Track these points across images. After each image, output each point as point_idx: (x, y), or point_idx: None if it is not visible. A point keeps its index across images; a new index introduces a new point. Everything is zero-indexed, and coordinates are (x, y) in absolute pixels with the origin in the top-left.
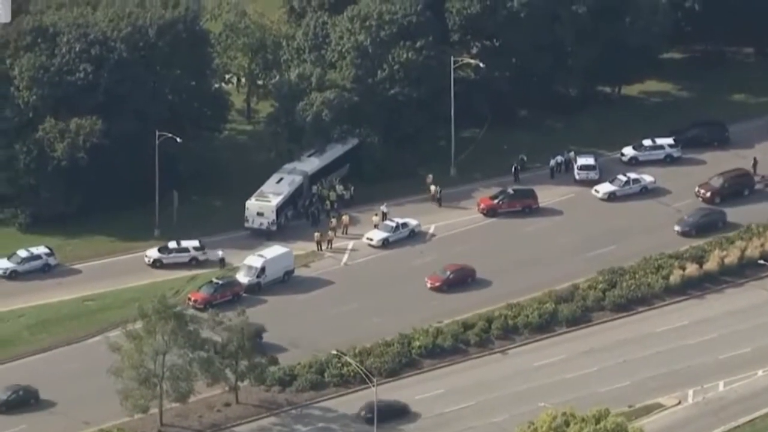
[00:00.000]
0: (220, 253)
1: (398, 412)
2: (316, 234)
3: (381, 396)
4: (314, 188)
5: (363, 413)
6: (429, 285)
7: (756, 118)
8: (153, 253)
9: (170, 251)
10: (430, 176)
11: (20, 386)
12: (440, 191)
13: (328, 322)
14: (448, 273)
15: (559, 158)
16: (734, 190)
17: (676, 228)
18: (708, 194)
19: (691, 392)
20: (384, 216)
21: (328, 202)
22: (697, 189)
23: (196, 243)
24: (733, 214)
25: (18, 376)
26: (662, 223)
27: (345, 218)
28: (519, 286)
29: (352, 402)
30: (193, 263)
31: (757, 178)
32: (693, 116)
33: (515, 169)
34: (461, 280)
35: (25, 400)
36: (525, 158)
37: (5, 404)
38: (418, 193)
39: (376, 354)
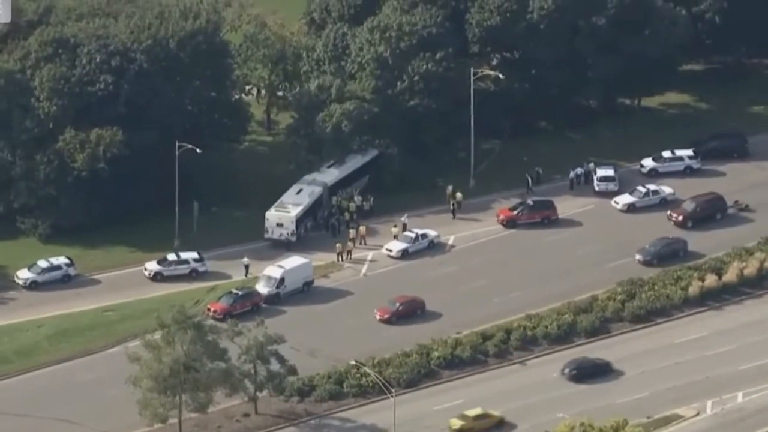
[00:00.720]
0: (245, 260)
1: (602, 370)
2: (338, 245)
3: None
4: (333, 199)
5: (567, 371)
6: (378, 317)
7: None
8: (153, 266)
9: (170, 263)
10: (450, 187)
11: None
12: (460, 198)
13: (347, 332)
14: (398, 305)
15: (579, 170)
16: (707, 214)
17: (638, 257)
18: (680, 218)
19: (709, 403)
20: (405, 227)
21: (347, 213)
22: (669, 213)
23: (195, 255)
24: (701, 240)
25: (37, 386)
26: (681, 234)
27: (362, 229)
28: (538, 297)
29: (372, 412)
30: (194, 275)
31: (730, 203)
32: (713, 128)
33: (528, 180)
34: (411, 312)
35: None
36: (540, 171)
37: None
38: (438, 204)
39: (395, 365)
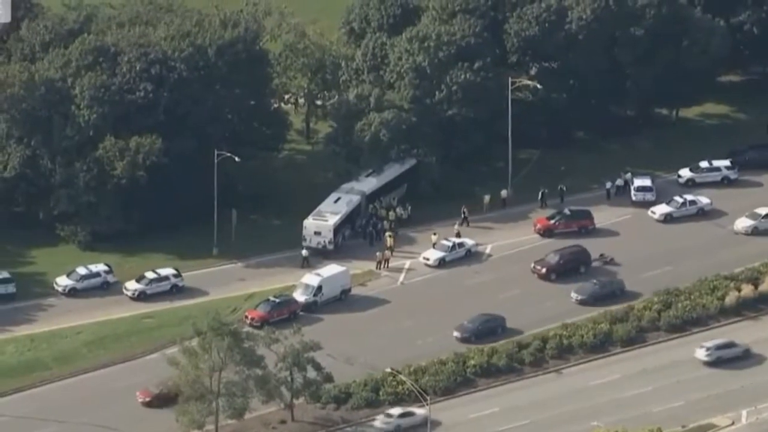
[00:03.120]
0: (304, 252)
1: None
2: (378, 253)
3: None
4: (370, 207)
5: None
6: (139, 399)
7: None
8: (134, 285)
9: (150, 281)
10: (487, 197)
11: None
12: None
13: (383, 340)
14: (161, 387)
15: (619, 181)
16: (570, 267)
17: (573, 295)
18: (543, 270)
19: (744, 413)
20: (458, 234)
21: (386, 222)
22: (533, 265)
23: (172, 270)
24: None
25: (76, 392)
26: (718, 244)
27: (389, 240)
28: (574, 306)
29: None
30: (174, 291)
31: (595, 256)
32: (750, 138)
33: (542, 194)
34: (173, 396)
35: None
36: (564, 188)
37: None
38: (475, 213)
39: (431, 372)
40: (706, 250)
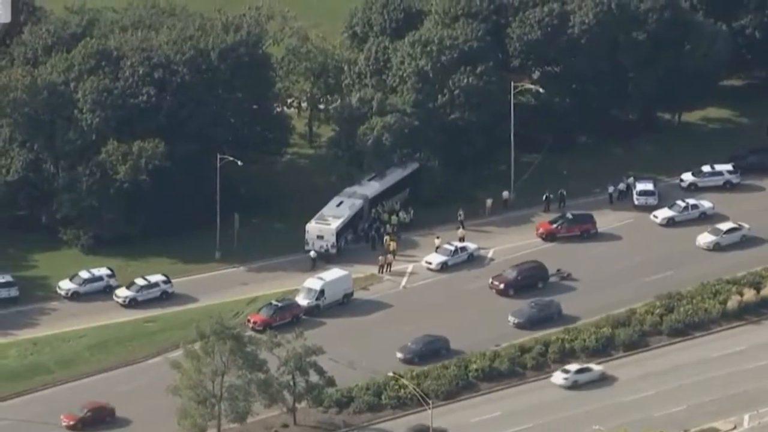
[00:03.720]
0: (312, 254)
1: None
2: (380, 257)
3: None
4: (373, 211)
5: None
6: (63, 423)
7: None
8: (124, 292)
9: (141, 288)
10: (489, 200)
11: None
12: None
13: (386, 344)
14: (85, 410)
15: (622, 185)
16: (528, 282)
17: (510, 318)
18: (501, 286)
19: (746, 417)
20: (462, 239)
21: (389, 226)
22: (490, 281)
23: (162, 276)
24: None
25: (79, 395)
26: (720, 248)
27: (393, 243)
28: (576, 310)
29: (410, 424)
30: (164, 297)
31: (552, 271)
32: (752, 142)
33: (546, 198)
34: (98, 419)
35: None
36: (565, 193)
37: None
38: (478, 217)
39: (433, 376)
40: (708, 254)
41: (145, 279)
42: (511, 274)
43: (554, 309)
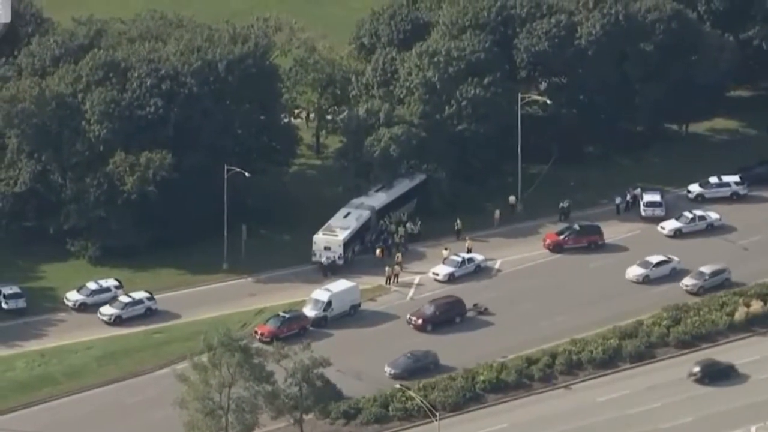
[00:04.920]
0: (324, 260)
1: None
2: (387, 268)
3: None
4: (380, 223)
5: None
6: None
7: None
8: (109, 310)
9: (125, 305)
10: (498, 212)
11: None
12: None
13: (393, 355)
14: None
15: (629, 196)
16: (446, 317)
17: (387, 369)
18: (420, 321)
19: (753, 429)
20: (469, 250)
21: (397, 236)
22: (408, 317)
23: (146, 294)
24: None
25: (86, 407)
26: (727, 260)
27: (398, 261)
28: (583, 322)
29: None
30: (148, 314)
31: (469, 306)
32: (760, 154)
33: (562, 208)
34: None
35: None
36: (566, 205)
37: None
38: (485, 229)
39: (440, 388)
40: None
41: (129, 296)
42: (429, 310)
43: (431, 359)
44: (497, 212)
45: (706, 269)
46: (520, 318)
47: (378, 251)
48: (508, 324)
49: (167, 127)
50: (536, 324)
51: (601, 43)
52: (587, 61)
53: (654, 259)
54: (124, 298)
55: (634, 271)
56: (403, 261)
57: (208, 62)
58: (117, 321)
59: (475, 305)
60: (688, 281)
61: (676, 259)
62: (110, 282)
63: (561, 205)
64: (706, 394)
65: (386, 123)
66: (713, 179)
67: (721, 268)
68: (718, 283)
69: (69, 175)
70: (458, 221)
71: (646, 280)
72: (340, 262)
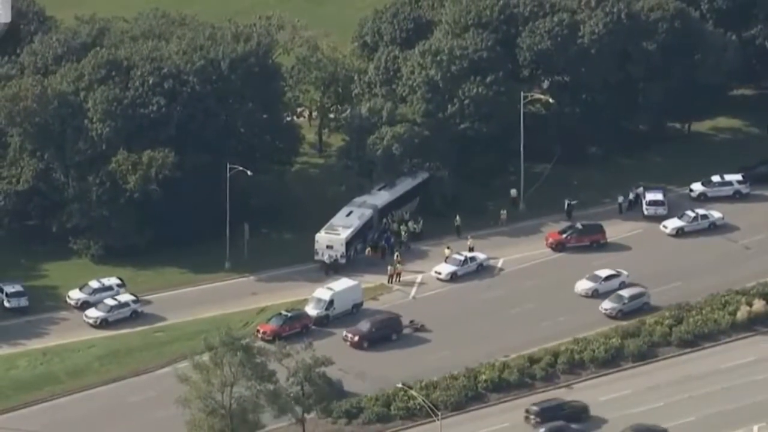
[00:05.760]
0: (326, 259)
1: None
2: (389, 267)
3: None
4: (383, 222)
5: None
6: None
7: None
8: (95, 312)
9: (111, 308)
10: (504, 212)
11: None
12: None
13: (395, 354)
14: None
15: (631, 195)
16: (382, 334)
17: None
18: (356, 338)
19: (756, 428)
20: (471, 249)
21: (403, 235)
22: (344, 334)
23: (131, 296)
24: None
25: (87, 406)
26: (730, 259)
27: (398, 262)
28: (586, 320)
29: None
30: (134, 316)
31: (406, 323)
32: (762, 153)
33: (568, 205)
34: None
35: None
36: (573, 203)
37: None
38: (488, 227)
39: (442, 387)
40: (717, 265)
41: (115, 299)
42: (365, 327)
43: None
44: (504, 212)
45: (625, 293)
46: (522, 318)
47: (367, 250)
48: (508, 324)
49: (170, 126)
50: (538, 323)
51: (603, 42)
52: (590, 60)
53: (603, 273)
54: (110, 301)
55: (583, 285)
56: (403, 260)
57: (211, 61)
58: (103, 324)
59: (411, 322)
60: (607, 305)
61: (625, 273)
62: (113, 280)
63: (567, 201)
64: (708, 394)
65: (389, 122)
66: (716, 178)
67: (641, 291)
68: (637, 307)
69: (71, 173)
70: (457, 218)
71: (595, 294)
72: (343, 260)
